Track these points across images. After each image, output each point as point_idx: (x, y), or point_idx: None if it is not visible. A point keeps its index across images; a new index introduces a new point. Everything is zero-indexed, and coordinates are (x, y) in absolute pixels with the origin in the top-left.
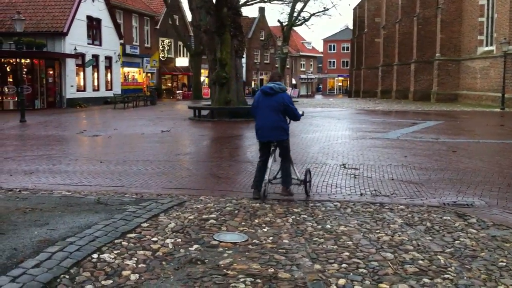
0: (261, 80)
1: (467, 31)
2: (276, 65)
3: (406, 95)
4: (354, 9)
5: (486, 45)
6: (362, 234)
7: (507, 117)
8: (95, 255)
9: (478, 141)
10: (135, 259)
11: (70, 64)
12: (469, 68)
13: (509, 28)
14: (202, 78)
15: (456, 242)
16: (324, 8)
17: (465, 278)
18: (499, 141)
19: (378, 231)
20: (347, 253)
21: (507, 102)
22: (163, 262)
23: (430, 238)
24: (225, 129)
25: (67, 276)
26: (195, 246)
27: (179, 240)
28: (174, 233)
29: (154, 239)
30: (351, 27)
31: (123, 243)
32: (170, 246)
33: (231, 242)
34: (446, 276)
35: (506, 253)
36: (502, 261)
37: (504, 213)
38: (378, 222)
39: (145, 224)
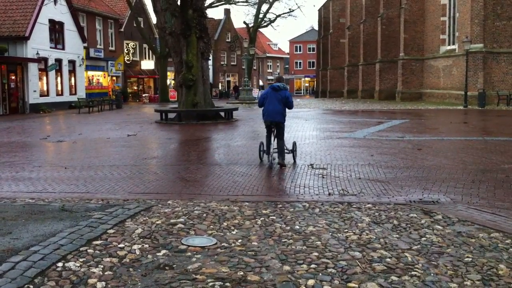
0: (228, 81)
1: (430, 30)
2: (243, 67)
3: (372, 94)
4: (319, 10)
5: (449, 44)
6: (330, 234)
7: (470, 114)
8: (60, 264)
9: (442, 139)
10: (102, 266)
11: (33, 68)
12: (433, 67)
13: (471, 27)
14: (168, 81)
15: (423, 239)
16: (290, 9)
17: (432, 274)
18: (463, 138)
19: (346, 230)
20: (316, 254)
21: (469, 99)
22: (130, 269)
23: (397, 235)
24: (192, 131)
25: (32, 286)
26: (163, 251)
27: (147, 245)
28: (141, 239)
29: (121, 245)
30: (316, 28)
31: (88, 250)
32: (137, 252)
33: (199, 246)
34: (413, 273)
35: (472, 249)
36: (468, 257)
37: (469, 209)
38: (346, 221)
39: (111, 231)
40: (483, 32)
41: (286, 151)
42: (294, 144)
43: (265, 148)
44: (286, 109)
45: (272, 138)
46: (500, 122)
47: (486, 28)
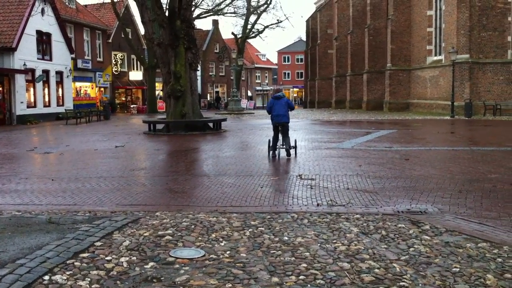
0: (217, 92)
1: (417, 41)
2: (232, 78)
3: (360, 104)
4: (307, 21)
5: (435, 55)
6: (319, 244)
7: (457, 124)
8: (46, 277)
9: (429, 149)
10: (89, 279)
11: (20, 80)
12: (420, 77)
13: (457, 38)
14: (156, 92)
15: (411, 249)
16: (278, 20)
17: (420, 285)
18: (450, 148)
19: (334, 241)
20: (304, 265)
21: (456, 110)
22: (118, 282)
23: (385, 246)
24: (181, 142)
25: None
26: (151, 264)
27: (134, 258)
28: (129, 251)
29: (108, 258)
30: (304, 38)
31: (75, 263)
32: (125, 264)
33: (187, 258)
34: (402, 284)
35: (460, 259)
36: (455, 267)
37: (456, 219)
38: (334, 232)
39: (98, 243)
40: (469, 42)
41: (291, 144)
42: (295, 141)
43: (271, 145)
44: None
45: (280, 136)
46: (487, 132)
47: (472, 38)
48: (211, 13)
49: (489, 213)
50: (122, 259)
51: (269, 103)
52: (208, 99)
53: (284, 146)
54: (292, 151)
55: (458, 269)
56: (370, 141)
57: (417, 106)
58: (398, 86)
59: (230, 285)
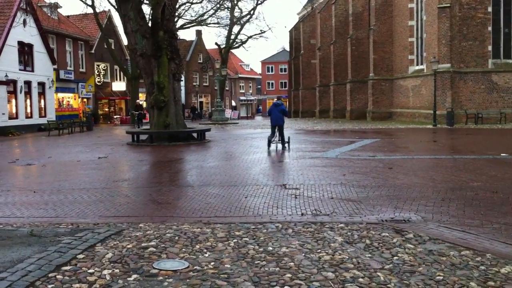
0: (201, 102)
1: (399, 51)
2: (215, 88)
3: (343, 114)
4: (290, 31)
5: (417, 64)
6: (303, 254)
7: (439, 133)
8: None
9: (412, 157)
10: None
11: (1, 91)
12: (402, 87)
13: (438, 48)
14: (140, 102)
15: (395, 258)
16: (261, 30)
17: None
18: (433, 156)
19: (319, 250)
20: (289, 275)
21: (438, 118)
22: None
23: (369, 255)
24: (164, 153)
25: None
26: (134, 276)
27: (117, 270)
28: (112, 264)
29: (91, 270)
30: (288, 48)
31: (57, 276)
32: (108, 277)
33: (171, 270)
34: None
35: (443, 267)
36: (439, 275)
37: (439, 227)
38: (319, 241)
39: (81, 256)
40: (450, 52)
41: (285, 141)
42: (289, 138)
43: (269, 140)
44: (284, 117)
45: (276, 133)
46: (469, 141)
47: (453, 48)
48: (195, 24)
49: (472, 221)
50: (105, 272)
51: (270, 108)
52: (196, 108)
53: (280, 141)
54: (286, 145)
55: (441, 277)
56: (354, 150)
57: (400, 115)
58: (381, 95)
59: None
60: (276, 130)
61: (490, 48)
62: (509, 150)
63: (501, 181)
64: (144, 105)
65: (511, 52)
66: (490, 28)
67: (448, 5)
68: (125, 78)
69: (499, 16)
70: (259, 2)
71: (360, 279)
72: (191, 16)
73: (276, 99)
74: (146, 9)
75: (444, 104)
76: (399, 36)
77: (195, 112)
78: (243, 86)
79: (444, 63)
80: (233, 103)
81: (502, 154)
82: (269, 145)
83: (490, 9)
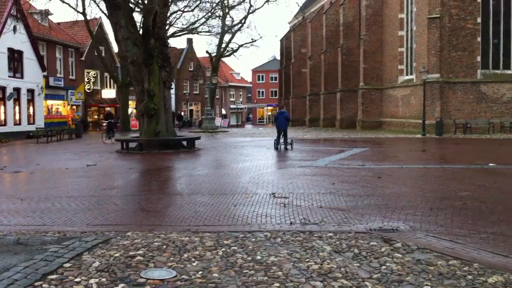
0: (191, 110)
1: (389, 60)
2: (206, 96)
3: (333, 123)
4: (281, 40)
5: (407, 74)
6: (292, 263)
7: (428, 142)
8: None
9: (401, 167)
10: None
11: None
12: (392, 96)
13: (428, 58)
14: (130, 110)
15: (383, 267)
16: (252, 39)
17: None
18: (422, 166)
19: (307, 259)
20: (277, 284)
21: (428, 128)
22: None
23: (358, 264)
24: (154, 161)
25: None
26: (121, 285)
27: (104, 279)
28: (99, 272)
29: (77, 279)
30: (278, 57)
31: (44, 285)
32: (94, 286)
33: (159, 279)
34: None
35: (431, 276)
36: (427, 284)
37: (427, 236)
38: (307, 250)
39: (67, 264)
40: (440, 62)
41: (288, 143)
42: (292, 140)
43: (275, 141)
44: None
45: (281, 136)
46: (457, 150)
47: (442, 58)
48: (186, 32)
49: (460, 231)
50: (92, 281)
51: (276, 115)
52: (183, 116)
53: (284, 144)
54: (289, 146)
55: (429, 287)
56: (343, 159)
57: (389, 125)
58: (371, 104)
59: None
60: (281, 133)
61: (479, 58)
62: (497, 159)
63: (489, 191)
64: (135, 112)
65: (500, 62)
66: (479, 39)
67: (438, 15)
68: (115, 85)
69: (488, 27)
70: (250, 11)
71: None
72: (183, 24)
73: (279, 108)
74: (138, 17)
75: (433, 113)
76: (389, 46)
77: (181, 120)
78: (233, 94)
79: (434, 73)
80: (224, 111)
81: (490, 164)
82: (275, 147)
83: (479, 20)
